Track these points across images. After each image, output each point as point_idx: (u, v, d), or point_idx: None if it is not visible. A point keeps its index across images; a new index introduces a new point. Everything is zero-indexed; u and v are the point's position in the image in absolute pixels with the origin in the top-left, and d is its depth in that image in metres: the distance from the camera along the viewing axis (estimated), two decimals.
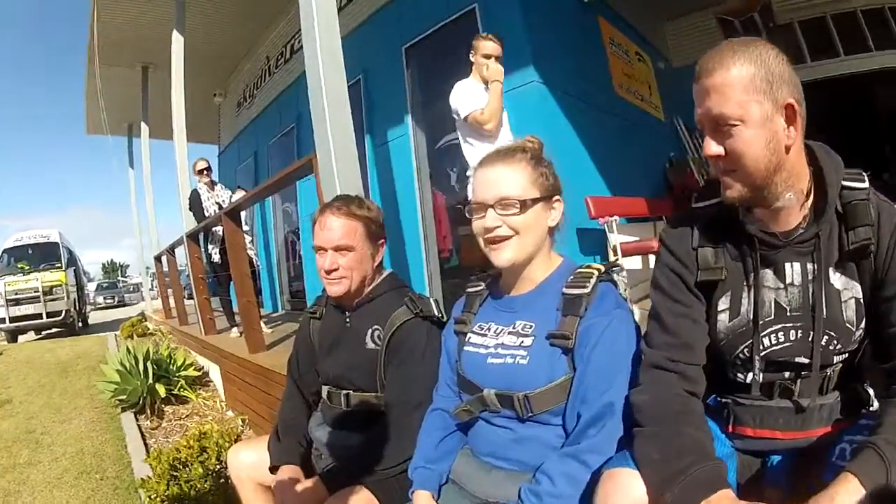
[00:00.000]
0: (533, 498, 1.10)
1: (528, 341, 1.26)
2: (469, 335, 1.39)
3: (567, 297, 1.25)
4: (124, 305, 29.15)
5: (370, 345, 1.68)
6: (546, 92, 4.30)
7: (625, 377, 1.16)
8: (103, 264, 76.22)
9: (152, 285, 13.91)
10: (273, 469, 1.70)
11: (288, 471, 1.67)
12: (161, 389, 4.39)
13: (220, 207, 5.21)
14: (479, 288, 1.46)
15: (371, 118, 6.02)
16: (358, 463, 1.55)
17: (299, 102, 6.97)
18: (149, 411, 4.35)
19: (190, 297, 6.98)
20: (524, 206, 1.25)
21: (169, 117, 6.82)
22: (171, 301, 8.39)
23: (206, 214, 5.35)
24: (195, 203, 5.51)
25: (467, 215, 1.33)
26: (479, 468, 1.30)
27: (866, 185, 1.07)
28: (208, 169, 5.56)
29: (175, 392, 4.57)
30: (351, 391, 1.72)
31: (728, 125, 0.99)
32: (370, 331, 1.69)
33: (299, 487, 1.59)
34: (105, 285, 34.95)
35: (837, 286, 1.10)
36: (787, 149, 1.01)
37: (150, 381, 4.39)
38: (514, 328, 1.30)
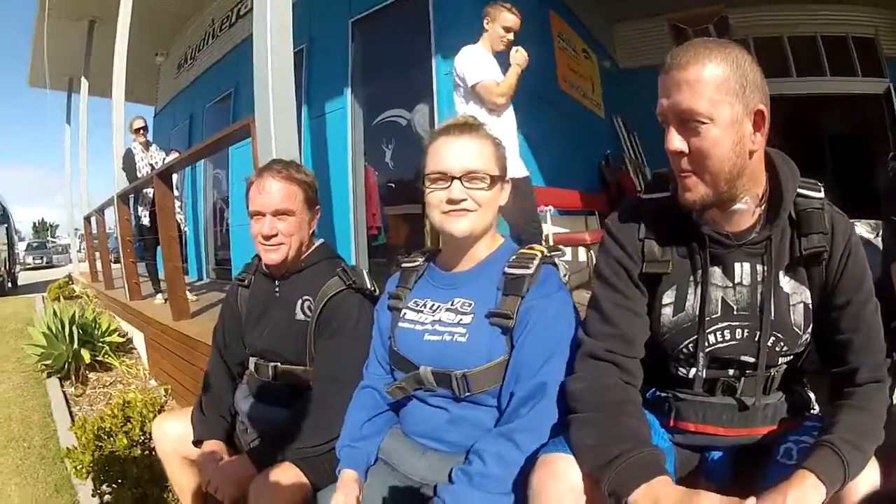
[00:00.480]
0: (464, 477, 1.09)
1: (467, 319, 1.23)
2: (404, 311, 1.35)
3: (509, 277, 1.23)
4: (52, 266, 27.74)
5: (300, 316, 1.62)
6: None
7: (561, 360, 1.15)
8: (34, 223, 72.22)
9: (80, 247, 13.26)
10: (197, 443, 1.65)
11: (212, 446, 1.62)
12: (86, 355, 4.27)
13: (153, 169, 5.04)
14: (415, 263, 1.41)
15: (310, 89, 5.90)
16: (285, 439, 1.48)
17: (239, 68, 6.78)
18: (73, 378, 4.23)
19: (117, 260, 6.75)
20: (493, 181, 1.24)
21: (110, 74, 6.53)
22: (98, 264, 8.07)
23: (139, 175, 5.17)
24: (128, 162, 5.32)
25: (425, 185, 1.26)
26: (413, 449, 1.27)
27: (822, 195, 1.09)
28: (144, 128, 5.38)
29: (99, 358, 4.46)
30: (279, 364, 1.66)
31: (696, 122, 0.97)
32: (300, 301, 1.63)
33: (225, 464, 1.53)
34: (35, 245, 33.08)
35: (787, 290, 1.11)
36: (751, 154, 1.01)
37: (76, 345, 4.26)
38: (452, 305, 1.27)
